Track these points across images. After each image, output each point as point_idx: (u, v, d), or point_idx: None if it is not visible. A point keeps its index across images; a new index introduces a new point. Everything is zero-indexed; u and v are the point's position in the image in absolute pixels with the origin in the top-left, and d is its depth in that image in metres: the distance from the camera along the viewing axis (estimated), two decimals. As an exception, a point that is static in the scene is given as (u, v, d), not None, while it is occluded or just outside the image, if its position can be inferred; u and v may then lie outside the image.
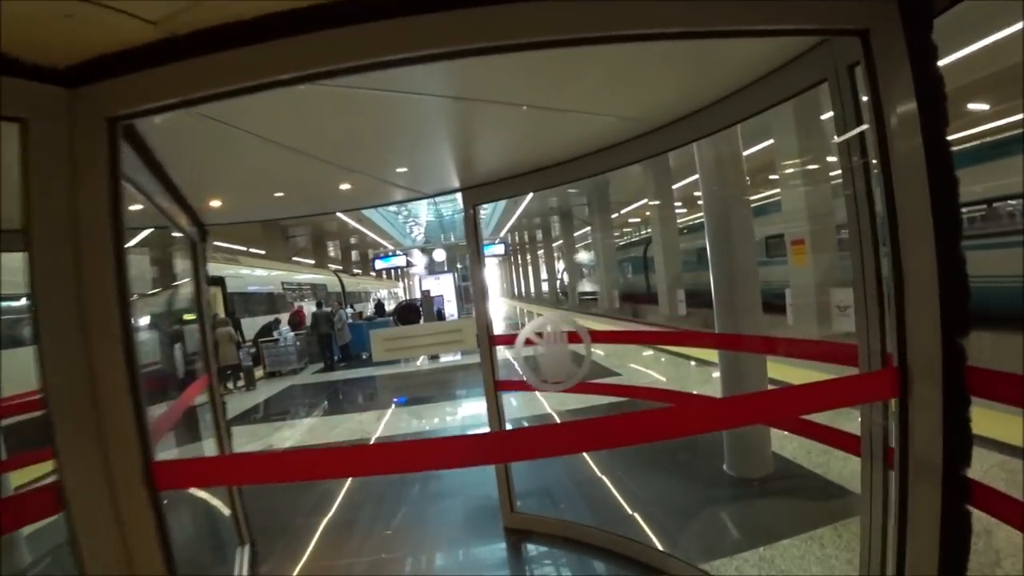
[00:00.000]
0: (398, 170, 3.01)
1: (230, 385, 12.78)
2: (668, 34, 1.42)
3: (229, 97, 1.40)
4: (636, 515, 3.99)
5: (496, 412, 3.59)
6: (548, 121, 2.44)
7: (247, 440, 7.81)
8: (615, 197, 27.85)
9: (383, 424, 7.86)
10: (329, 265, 39.20)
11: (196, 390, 3.35)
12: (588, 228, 33.18)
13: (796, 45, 1.84)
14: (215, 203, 3.05)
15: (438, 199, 28.25)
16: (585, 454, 5.05)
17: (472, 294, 3.63)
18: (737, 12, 1.39)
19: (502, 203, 28.13)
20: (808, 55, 1.85)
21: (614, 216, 31.71)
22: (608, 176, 24.51)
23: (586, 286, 35.80)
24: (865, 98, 1.59)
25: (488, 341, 3.53)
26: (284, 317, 19.42)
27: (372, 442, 6.87)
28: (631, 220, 40.25)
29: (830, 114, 1.60)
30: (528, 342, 3.00)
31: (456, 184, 3.45)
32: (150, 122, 1.67)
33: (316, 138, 2.36)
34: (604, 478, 4.73)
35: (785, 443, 4.66)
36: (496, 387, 3.57)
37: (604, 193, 27.23)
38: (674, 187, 21.16)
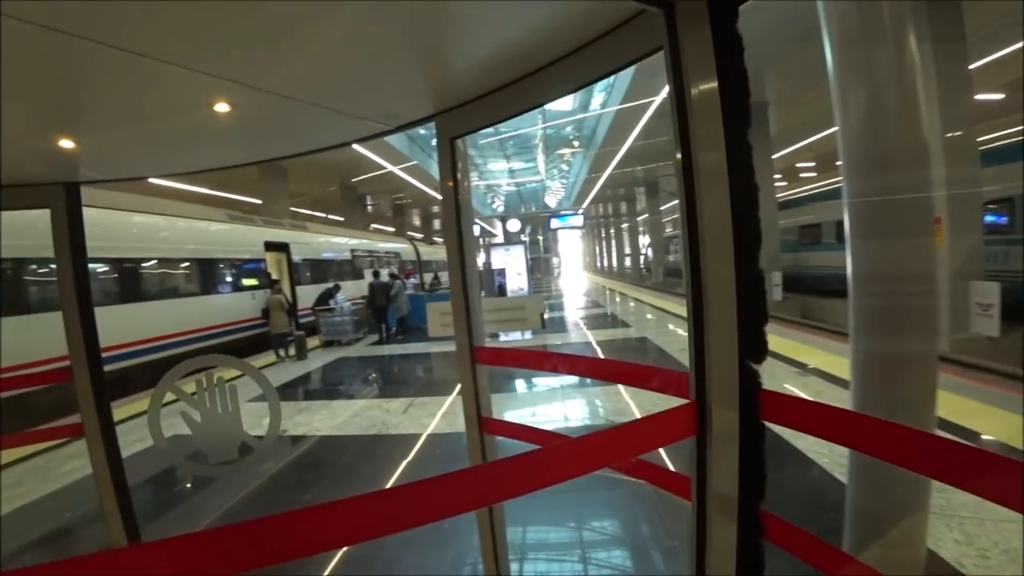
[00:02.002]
0: (346, 88, 1.80)
1: (281, 353, 12.35)
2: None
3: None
4: None
5: (481, 461, 2.34)
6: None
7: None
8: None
9: (407, 416, 6.83)
10: (408, 233, 39.27)
11: None
12: (676, 201, 30.79)
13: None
14: (69, 146, 1.94)
15: (514, 167, 26.97)
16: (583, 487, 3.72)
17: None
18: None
19: (583, 171, 26.50)
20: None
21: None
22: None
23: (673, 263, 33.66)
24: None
25: (470, 356, 2.27)
26: (349, 284, 19.16)
27: (387, 434, 5.87)
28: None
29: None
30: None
31: (428, 109, 2.18)
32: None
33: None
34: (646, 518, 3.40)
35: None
36: (482, 427, 2.30)
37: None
38: (773, 157, 18.81)
